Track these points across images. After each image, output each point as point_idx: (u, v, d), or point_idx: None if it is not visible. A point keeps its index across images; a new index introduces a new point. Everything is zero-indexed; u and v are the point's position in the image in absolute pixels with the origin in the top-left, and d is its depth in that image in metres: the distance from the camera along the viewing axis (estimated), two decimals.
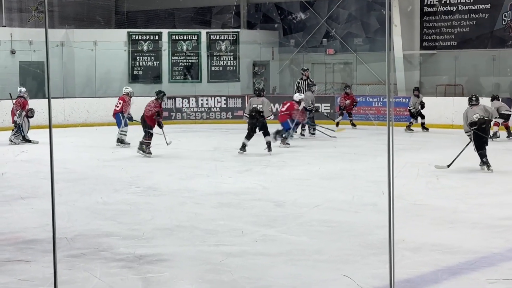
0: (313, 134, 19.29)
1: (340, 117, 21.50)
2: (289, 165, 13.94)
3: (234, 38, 26.43)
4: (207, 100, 24.34)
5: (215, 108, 24.36)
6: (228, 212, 9.43)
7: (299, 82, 20.70)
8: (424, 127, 20.55)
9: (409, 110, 20.57)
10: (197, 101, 24.30)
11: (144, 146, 15.02)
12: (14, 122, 17.71)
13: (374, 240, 7.72)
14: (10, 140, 17.54)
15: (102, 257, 7.06)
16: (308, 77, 20.79)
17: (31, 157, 14.97)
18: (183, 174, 12.87)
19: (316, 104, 19.81)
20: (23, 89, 18.34)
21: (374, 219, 8.81)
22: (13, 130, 17.74)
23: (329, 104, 23.28)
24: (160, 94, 15.41)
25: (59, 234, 7.87)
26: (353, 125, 21.47)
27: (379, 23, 25.47)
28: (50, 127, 2.62)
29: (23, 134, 17.65)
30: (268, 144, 15.46)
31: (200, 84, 25.97)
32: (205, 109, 24.37)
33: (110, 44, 25.47)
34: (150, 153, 14.99)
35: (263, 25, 28.23)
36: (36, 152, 15.71)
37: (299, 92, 19.48)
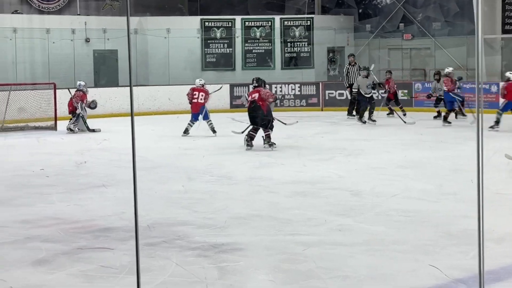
0: (374, 121, 18.90)
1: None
2: (365, 153, 13.72)
3: (308, 24, 26.20)
4: (280, 87, 24.21)
5: (288, 96, 24.22)
6: (303, 201, 9.29)
7: (347, 68, 20.49)
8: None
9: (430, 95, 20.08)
10: (270, 89, 24.13)
11: (268, 139, 14.36)
12: (72, 112, 18.17)
13: (454, 230, 7.49)
14: (69, 129, 18.00)
15: (178, 246, 7.02)
16: (356, 63, 20.52)
17: (105, 146, 15.13)
18: (258, 162, 12.79)
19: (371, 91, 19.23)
20: (82, 83, 18.71)
21: (454, 208, 8.59)
22: (71, 120, 18.19)
23: (406, 91, 22.83)
24: (259, 81, 14.96)
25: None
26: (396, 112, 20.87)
27: (458, 6, 24.87)
28: (132, 115, 2.52)
29: (86, 125, 18.09)
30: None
31: (273, 71, 25.84)
32: (278, 97, 24.23)
33: (183, 32, 25.56)
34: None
35: (338, 10, 27.90)
36: (114, 140, 15.86)
37: (347, 79, 19.43)
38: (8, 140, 16.87)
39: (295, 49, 26.20)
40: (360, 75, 19.42)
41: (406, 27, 26.18)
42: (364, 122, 18.78)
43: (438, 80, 19.89)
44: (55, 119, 19.17)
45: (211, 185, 10.53)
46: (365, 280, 5.98)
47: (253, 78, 15.07)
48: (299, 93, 24.16)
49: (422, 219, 8.17)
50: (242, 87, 23.07)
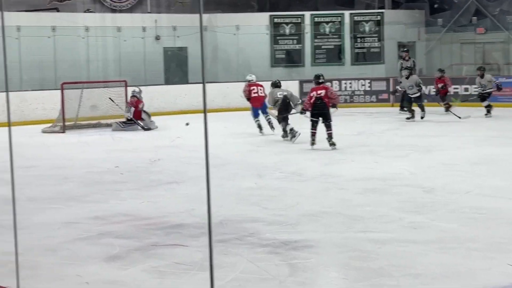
0: (422, 117, 18.66)
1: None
2: (436, 150, 13.52)
3: (378, 18, 25.96)
4: (350, 83, 24.05)
5: (358, 91, 24.05)
6: (374, 198, 9.20)
7: (401, 63, 20.26)
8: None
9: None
10: (340, 84, 24.06)
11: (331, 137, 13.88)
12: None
13: None
14: (120, 124, 18.38)
15: (248, 243, 7.02)
16: (409, 58, 20.22)
17: (177, 143, 15.25)
18: (327, 159, 12.72)
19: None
20: (137, 90, 19.01)
21: None
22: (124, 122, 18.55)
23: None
24: (322, 78, 14.68)
25: (205, 219, 7.88)
26: (446, 109, 20.48)
27: None
28: (205, 112, 2.51)
29: (141, 126, 18.35)
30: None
31: (343, 67, 25.68)
32: (348, 93, 24.10)
33: (252, 28, 25.61)
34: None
35: (409, 4, 27.54)
36: (186, 137, 15.98)
37: (401, 74, 19.27)
38: (81, 137, 17.18)
39: (365, 44, 25.98)
40: (403, 75, 19.26)
41: (479, 21, 25.68)
42: (422, 118, 18.59)
43: (482, 76, 19.58)
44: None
45: (281, 182, 10.51)
46: (438, 278, 5.88)
47: (316, 75, 14.81)
48: (369, 88, 23.96)
49: (496, 217, 8.01)
50: (311, 83, 22.96)
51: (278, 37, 25.85)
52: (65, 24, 23.25)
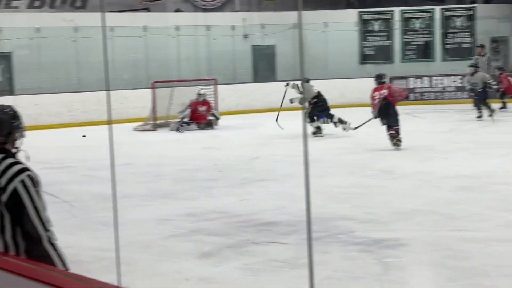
0: (490, 116, 17.99)
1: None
2: None
3: (470, 13, 25.44)
4: (441, 79, 23.66)
5: (450, 88, 23.63)
6: (467, 196, 9.03)
7: (477, 59, 19.80)
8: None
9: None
10: (430, 81, 23.70)
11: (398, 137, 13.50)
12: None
13: None
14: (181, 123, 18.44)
15: (340, 241, 7.00)
16: (485, 53, 19.71)
17: (264, 141, 15.33)
18: (418, 156, 12.55)
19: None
20: (202, 91, 19.07)
21: None
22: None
23: None
24: (384, 78, 14.32)
25: (296, 217, 7.94)
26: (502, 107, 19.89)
27: None
28: (304, 108, 2.49)
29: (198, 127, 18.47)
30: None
31: (433, 63, 25.28)
32: (439, 89, 23.72)
33: (341, 25, 25.46)
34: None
35: None
36: (275, 135, 16.04)
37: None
38: (172, 135, 17.45)
39: (456, 40, 25.50)
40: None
41: None
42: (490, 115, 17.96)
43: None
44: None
45: (372, 180, 10.44)
46: None
47: (378, 74, 14.35)
48: (460, 85, 23.51)
49: None
50: (401, 80, 22.76)
51: (367, 34, 25.64)
52: (156, 23, 23.66)
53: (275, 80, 24.05)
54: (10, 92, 21.07)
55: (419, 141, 14.26)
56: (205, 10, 26.20)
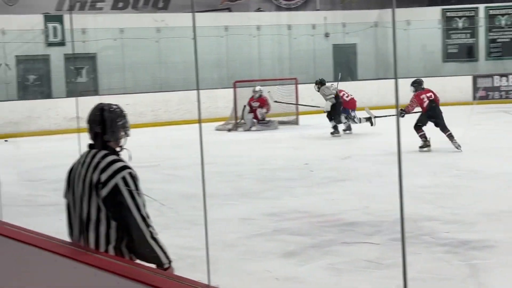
0: None
1: None
2: None
3: None
4: None
5: None
6: None
7: None
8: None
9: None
10: None
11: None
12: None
13: None
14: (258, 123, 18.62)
15: (425, 242, 6.90)
16: None
17: (350, 140, 15.24)
18: (505, 157, 12.26)
19: None
20: (257, 88, 19.03)
21: None
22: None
23: None
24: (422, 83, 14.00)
25: (380, 217, 7.87)
26: None
27: None
28: (397, 107, 2.46)
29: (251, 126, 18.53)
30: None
31: None
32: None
33: (423, 23, 25.11)
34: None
35: None
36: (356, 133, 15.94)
37: None
38: (252, 134, 17.52)
39: None
40: None
41: None
42: None
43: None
44: (297, 113, 19.70)
45: (457, 180, 10.26)
46: None
47: (418, 80, 14.07)
48: None
49: None
50: (486, 78, 22.31)
51: (450, 31, 25.21)
52: (238, 23, 23.80)
53: (356, 79, 23.92)
54: (95, 92, 21.51)
55: (504, 140, 13.97)
56: (286, 9, 26.24)
